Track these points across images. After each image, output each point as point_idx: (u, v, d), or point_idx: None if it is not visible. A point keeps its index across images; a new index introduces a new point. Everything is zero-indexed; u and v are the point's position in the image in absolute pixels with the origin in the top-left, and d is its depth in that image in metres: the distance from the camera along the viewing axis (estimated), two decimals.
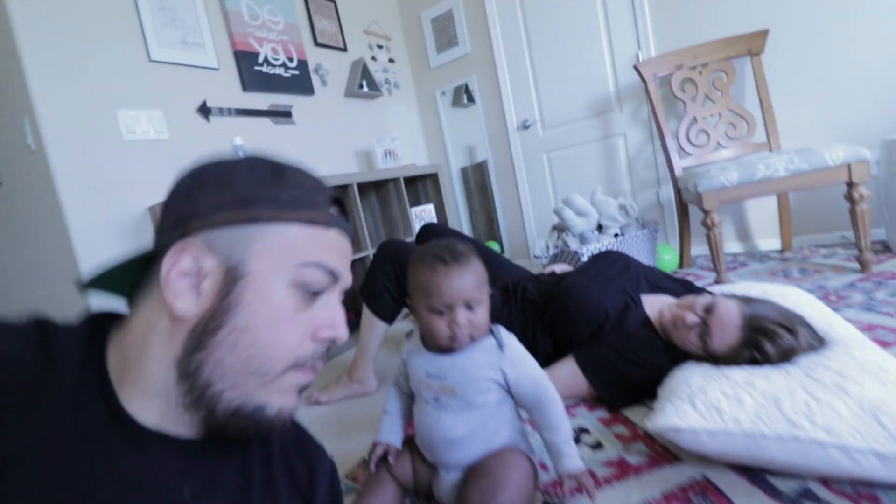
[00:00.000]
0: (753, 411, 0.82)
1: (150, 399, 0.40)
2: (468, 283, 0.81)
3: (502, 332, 0.88)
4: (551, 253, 2.17)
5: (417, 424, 0.92)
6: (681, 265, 2.36)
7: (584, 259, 2.01)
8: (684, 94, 2.26)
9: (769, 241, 2.39)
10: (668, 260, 2.27)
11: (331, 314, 0.45)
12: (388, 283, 1.56)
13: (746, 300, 1.08)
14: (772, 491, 0.79)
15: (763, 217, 2.39)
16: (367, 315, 1.60)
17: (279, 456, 0.51)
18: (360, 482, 1.07)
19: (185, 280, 0.40)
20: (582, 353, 1.20)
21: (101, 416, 0.38)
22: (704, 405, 0.87)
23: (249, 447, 0.48)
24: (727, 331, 1.02)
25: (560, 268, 1.69)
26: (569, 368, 1.19)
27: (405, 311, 1.79)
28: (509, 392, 0.86)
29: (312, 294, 0.44)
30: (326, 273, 0.45)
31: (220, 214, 0.41)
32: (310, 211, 0.45)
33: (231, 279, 0.41)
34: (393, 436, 0.96)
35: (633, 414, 1.13)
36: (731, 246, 2.51)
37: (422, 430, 0.90)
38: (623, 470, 0.93)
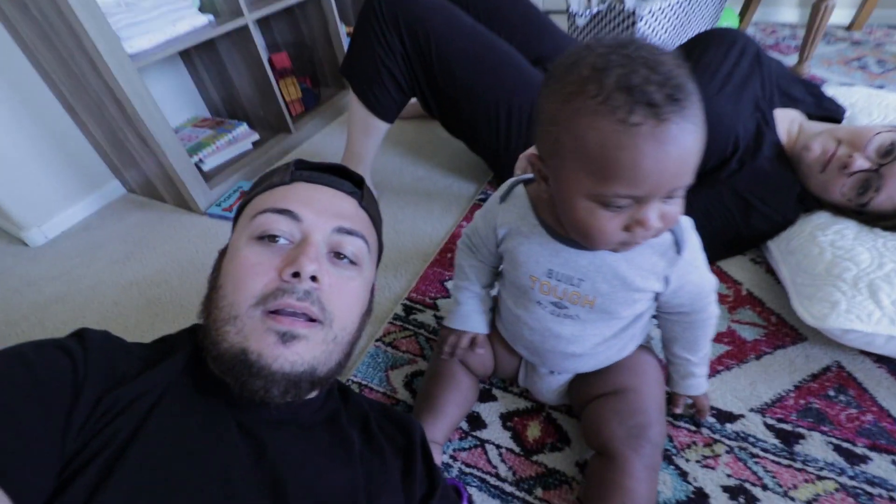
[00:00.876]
0: None
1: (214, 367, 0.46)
2: (690, 155, 0.39)
3: (683, 221, 0.53)
4: (594, 10, 1.56)
5: (515, 323, 0.65)
6: None
7: (642, 23, 1.48)
8: None
9: (837, 12, 1.94)
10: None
11: (292, 254, 0.46)
12: (389, 61, 1.01)
13: None
14: None
15: None
16: (356, 109, 1.09)
17: (375, 426, 0.54)
18: (414, 355, 0.86)
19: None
20: (690, 197, 0.90)
21: (190, 378, 0.45)
22: (893, 302, 0.67)
23: (338, 420, 0.52)
24: None
25: None
26: None
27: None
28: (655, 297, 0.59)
29: (272, 238, 0.47)
30: (276, 213, 0.48)
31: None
32: (269, 180, 0.53)
33: (220, 258, 0.51)
34: (478, 321, 0.70)
35: (732, 268, 0.94)
36: (785, 13, 2.02)
37: (523, 331, 0.64)
38: (739, 348, 0.79)
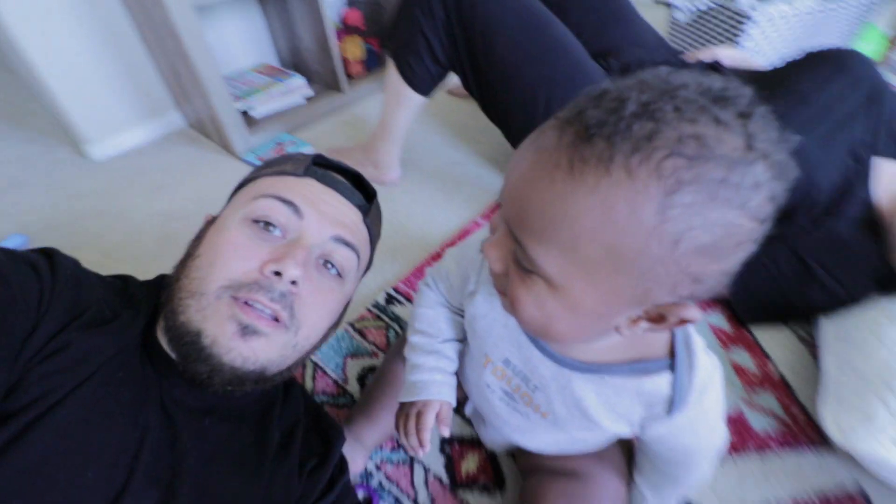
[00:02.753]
0: None
1: (161, 329, 0.45)
2: (539, 189, 0.27)
3: (700, 363, 0.37)
4: (699, 6, 1.35)
5: (465, 376, 0.56)
6: None
7: (756, 29, 1.26)
8: None
9: None
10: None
11: (284, 251, 0.44)
12: (428, 29, 0.93)
13: None
14: None
15: None
16: (393, 79, 1.03)
17: (300, 434, 0.51)
18: (369, 340, 0.82)
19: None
20: None
21: (140, 344, 0.44)
22: None
23: (269, 413, 0.50)
24: None
25: (727, 55, 1.01)
26: None
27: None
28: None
29: (266, 226, 0.45)
30: (280, 202, 0.46)
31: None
32: (282, 166, 0.51)
33: (206, 226, 0.49)
34: (444, 389, 0.52)
35: (768, 339, 0.79)
36: None
37: (472, 392, 0.56)
38: (741, 437, 0.66)
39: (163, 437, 0.41)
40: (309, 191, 0.48)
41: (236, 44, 1.54)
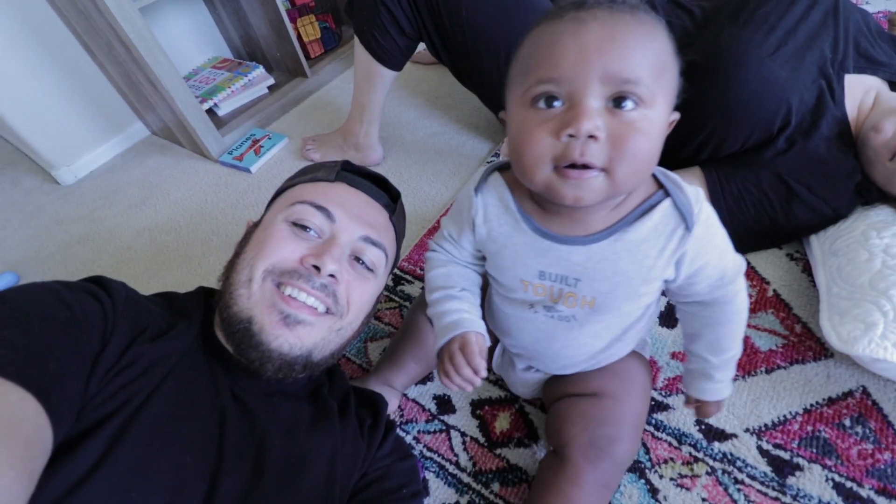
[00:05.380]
0: None
1: (218, 327, 0.51)
2: (626, 38, 0.34)
3: (687, 190, 0.42)
4: None
5: (504, 319, 0.57)
6: None
7: None
8: None
9: None
10: None
11: (321, 248, 0.50)
12: (390, 3, 0.90)
13: None
14: None
15: None
16: (362, 57, 1.00)
17: (353, 403, 0.58)
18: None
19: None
20: (720, 177, 0.78)
21: (201, 346, 0.49)
22: None
23: (320, 390, 0.56)
24: None
25: None
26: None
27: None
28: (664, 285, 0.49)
29: (303, 228, 0.52)
30: (314, 208, 0.52)
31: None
32: (315, 173, 0.58)
33: (252, 228, 0.56)
34: (479, 323, 0.52)
35: (762, 262, 0.82)
36: None
37: (512, 330, 0.57)
38: (749, 358, 0.70)
39: (241, 419, 0.46)
40: (340, 195, 0.55)
41: (185, 41, 1.47)
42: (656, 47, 0.36)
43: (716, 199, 0.78)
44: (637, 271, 0.44)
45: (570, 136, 0.34)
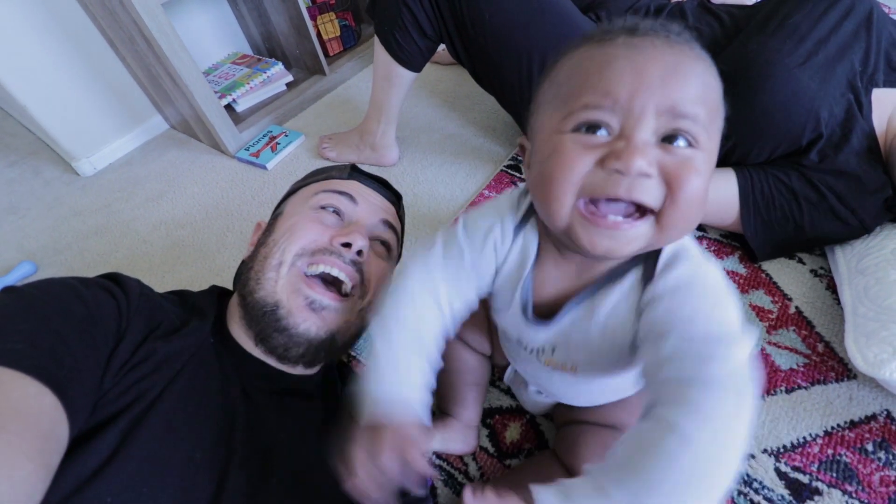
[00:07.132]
0: None
1: (234, 323, 0.53)
2: (683, 69, 0.31)
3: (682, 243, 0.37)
4: None
5: (507, 347, 0.57)
6: None
7: None
8: None
9: None
10: None
11: (349, 228, 0.54)
12: (412, 4, 0.89)
13: None
14: None
15: None
16: (382, 57, 1.00)
17: None
18: None
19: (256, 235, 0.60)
20: (752, 174, 0.76)
21: (213, 343, 0.49)
22: None
23: (333, 390, 0.59)
24: None
25: None
26: (721, 187, 0.77)
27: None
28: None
29: (331, 212, 0.56)
30: (339, 194, 0.57)
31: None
32: (329, 173, 0.63)
33: (272, 219, 0.59)
34: (414, 393, 0.41)
35: (784, 277, 0.80)
36: None
37: (515, 360, 0.57)
38: (768, 377, 0.69)
39: (251, 417, 0.46)
40: (357, 187, 0.60)
41: (206, 36, 1.47)
42: (715, 86, 0.33)
43: (745, 196, 0.77)
44: (615, 334, 0.38)
45: (617, 171, 0.30)
